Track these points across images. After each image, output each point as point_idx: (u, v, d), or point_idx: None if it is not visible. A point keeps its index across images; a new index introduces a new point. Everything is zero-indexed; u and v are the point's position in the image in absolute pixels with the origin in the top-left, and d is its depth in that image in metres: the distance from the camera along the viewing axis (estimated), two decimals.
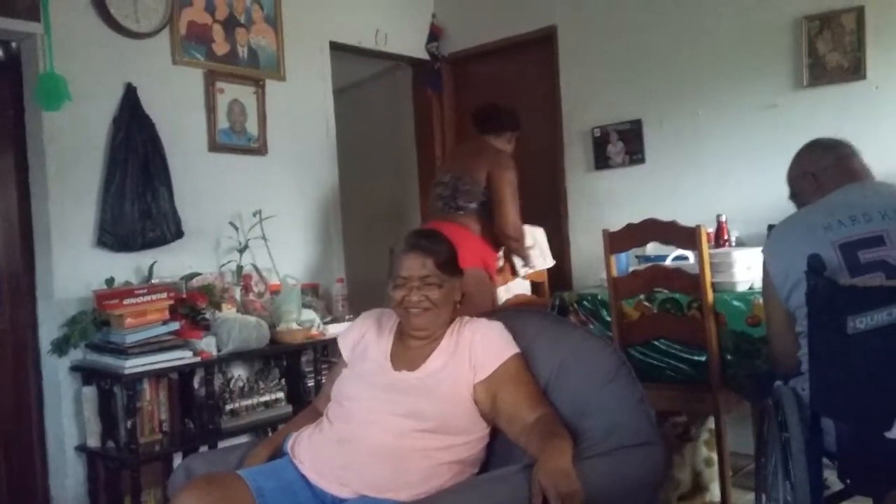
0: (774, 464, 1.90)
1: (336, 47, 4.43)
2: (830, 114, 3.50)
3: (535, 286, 3.94)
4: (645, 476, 1.82)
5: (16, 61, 3.27)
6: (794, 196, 2.24)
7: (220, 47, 3.82)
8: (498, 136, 3.44)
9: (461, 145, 3.82)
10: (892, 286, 1.72)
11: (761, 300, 2.56)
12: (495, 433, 1.97)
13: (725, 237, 3.38)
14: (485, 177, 3.25)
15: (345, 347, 2.15)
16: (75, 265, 3.24)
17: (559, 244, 4.41)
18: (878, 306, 1.61)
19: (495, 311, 2.48)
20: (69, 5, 3.27)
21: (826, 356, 1.74)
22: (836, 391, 1.73)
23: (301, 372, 3.66)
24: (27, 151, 3.27)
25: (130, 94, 3.41)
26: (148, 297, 3.09)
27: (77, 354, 3.21)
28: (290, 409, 3.50)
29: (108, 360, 3.06)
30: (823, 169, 2.12)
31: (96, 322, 3.15)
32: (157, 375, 3.13)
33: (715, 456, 2.94)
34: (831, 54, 3.50)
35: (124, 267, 3.35)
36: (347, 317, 3.84)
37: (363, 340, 2.11)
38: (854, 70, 3.45)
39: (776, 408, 1.90)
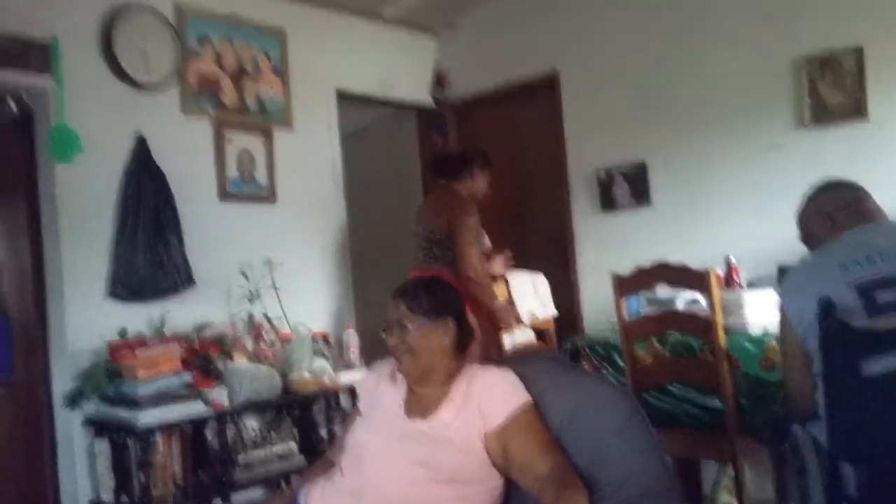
0: None
1: (343, 96, 4.50)
2: (833, 153, 3.53)
3: (540, 334, 3.94)
4: None
5: (28, 115, 3.32)
6: (806, 238, 2.21)
7: (229, 98, 3.88)
8: (459, 180, 3.45)
9: (429, 197, 3.83)
10: None
11: (774, 343, 2.55)
12: (509, 483, 1.96)
13: (735, 279, 3.36)
14: (447, 224, 3.29)
15: (362, 394, 2.15)
16: (88, 316, 3.26)
17: (568, 287, 4.42)
18: (894, 349, 1.60)
19: (506, 359, 2.46)
20: (80, 59, 3.33)
21: (842, 399, 1.72)
22: (853, 435, 1.71)
23: (314, 421, 3.62)
24: (39, 203, 3.31)
25: (141, 146, 3.47)
26: (160, 348, 3.10)
27: (90, 407, 3.21)
28: (302, 459, 3.47)
29: (122, 413, 3.06)
30: (839, 209, 2.08)
31: (109, 374, 3.14)
32: (169, 427, 3.12)
33: (735, 501, 2.90)
34: (833, 95, 3.54)
35: (136, 317, 3.37)
36: (359, 364, 3.83)
37: (378, 388, 2.11)
38: (856, 110, 3.49)
39: (794, 453, 1.88)
